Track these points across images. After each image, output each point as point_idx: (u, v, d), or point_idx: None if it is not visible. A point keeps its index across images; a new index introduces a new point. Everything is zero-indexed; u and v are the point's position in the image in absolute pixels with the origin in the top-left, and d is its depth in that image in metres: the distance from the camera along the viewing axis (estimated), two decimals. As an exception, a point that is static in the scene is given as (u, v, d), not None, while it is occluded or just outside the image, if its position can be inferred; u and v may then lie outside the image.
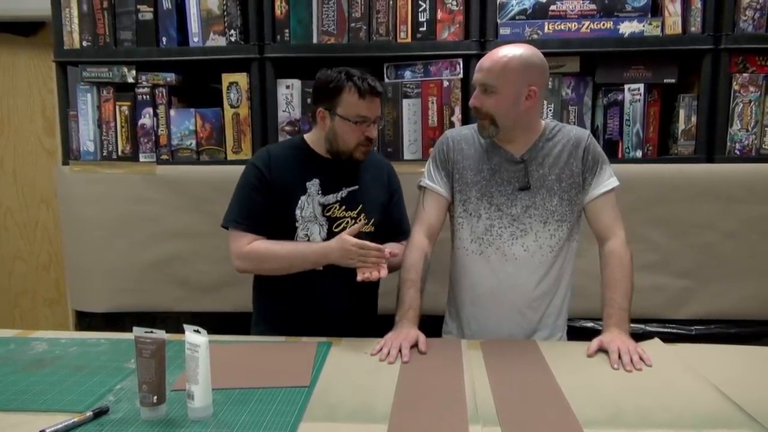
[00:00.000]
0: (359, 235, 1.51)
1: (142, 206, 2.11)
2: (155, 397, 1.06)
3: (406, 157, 2.10)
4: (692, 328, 2.05)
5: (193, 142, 2.14)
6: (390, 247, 1.51)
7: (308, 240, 1.57)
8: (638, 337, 1.60)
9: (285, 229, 1.58)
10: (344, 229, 1.56)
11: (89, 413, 1.07)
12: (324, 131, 1.59)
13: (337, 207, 1.60)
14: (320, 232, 1.58)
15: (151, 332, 1.07)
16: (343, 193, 1.61)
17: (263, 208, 1.58)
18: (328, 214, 1.59)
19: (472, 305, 1.60)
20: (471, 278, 1.59)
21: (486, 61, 1.48)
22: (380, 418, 1.06)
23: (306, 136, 1.66)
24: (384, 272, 1.46)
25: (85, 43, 2.13)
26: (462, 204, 1.57)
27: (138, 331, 1.07)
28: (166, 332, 1.09)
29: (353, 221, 1.60)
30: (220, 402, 1.13)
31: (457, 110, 2.05)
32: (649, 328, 2.03)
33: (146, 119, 2.13)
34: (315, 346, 1.42)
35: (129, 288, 2.15)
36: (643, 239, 2.02)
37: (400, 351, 1.36)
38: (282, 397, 1.16)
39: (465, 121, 2.05)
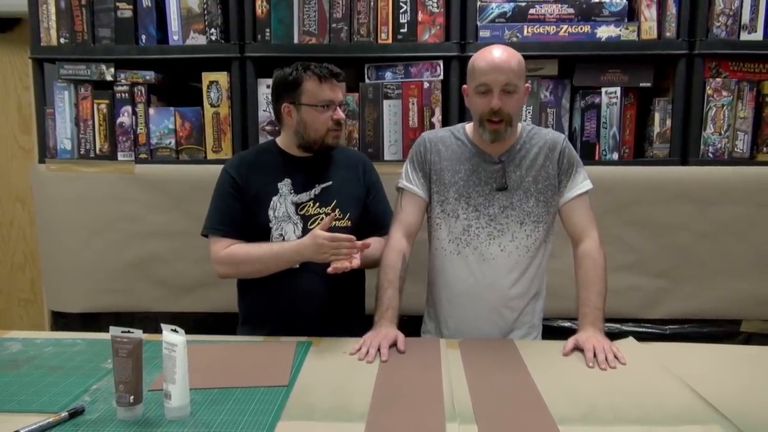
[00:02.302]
0: (333, 229, 1.52)
1: (120, 205, 2.09)
2: (132, 397, 1.06)
3: (386, 158, 2.11)
4: (666, 327, 2.09)
5: (173, 141, 2.12)
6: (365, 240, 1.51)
7: (283, 239, 1.58)
8: (614, 336, 1.62)
9: (260, 231, 1.59)
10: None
11: (64, 413, 1.06)
12: (292, 126, 1.61)
13: (311, 204, 1.61)
14: (295, 231, 1.59)
15: (128, 332, 1.06)
16: (317, 190, 1.62)
17: (239, 212, 1.59)
18: (302, 212, 1.60)
19: (450, 304, 1.62)
20: (449, 278, 1.60)
21: (497, 59, 1.44)
22: (358, 417, 1.07)
23: (277, 140, 1.68)
24: (356, 262, 1.46)
25: (62, 40, 2.10)
26: (440, 204, 1.59)
27: (114, 331, 1.07)
28: (144, 332, 1.08)
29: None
30: (198, 402, 1.12)
31: (438, 111, 2.07)
32: (624, 328, 2.07)
33: (125, 118, 2.11)
34: (294, 346, 1.43)
35: (106, 288, 2.13)
36: (619, 240, 2.05)
37: (378, 350, 1.37)
38: (260, 396, 1.16)
39: (445, 122, 2.07)
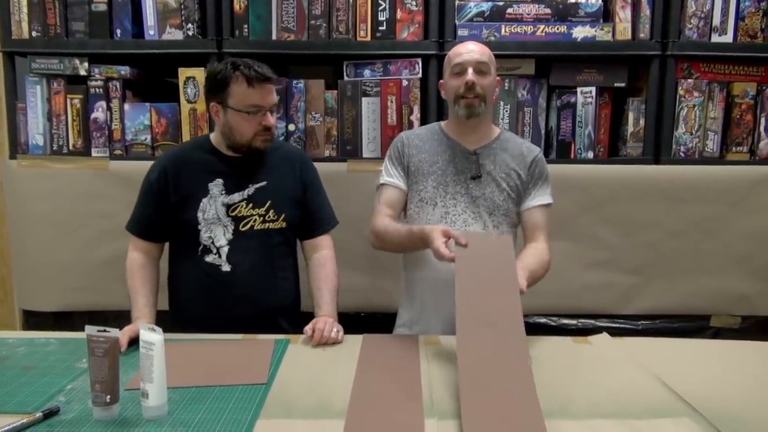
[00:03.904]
0: (267, 231, 1.56)
1: (94, 202, 2.06)
2: (108, 397, 1.04)
3: (365, 155, 2.11)
4: (639, 323, 2.14)
5: (148, 137, 2.09)
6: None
7: (212, 242, 1.55)
8: (588, 332, 1.66)
9: (189, 233, 1.56)
10: (252, 228, 1.56)
11: (39, 414, 1.04)
12: (220, 126, 1.56)
13: (244, 205, 1.57)
14: (224, 234, 1.56)
15: (104, 331, 1.05)
16: (250, 190, 1.58)
17: (154, 217, 1.58)
18: (233, 214, 1.56)
19: (425, 293, 1.63)
20: (425, 266, 1.62)
21: (470, 46, 1.57)
22: (337, 413, 1.07)
23: (211, 135, 1.63)
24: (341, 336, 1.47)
25: (34, 33, 2.06)
26: (418, 194, 1.62)
27: (90, 330, 1.05)
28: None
29: (261, 218, 1.58)
30: (176, 401, 1.12)
31: (416, 109, 2.08)
32: (599, 323, 2.11)
33: (99, 113, 2.08)
34: (272, 344, 1.42)
35: (80, 286, 2.10)
36: (594, 238, 2.09)
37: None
38: (239, 394, 1.15)
39: (423, 120, 2.08)
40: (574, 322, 2.14)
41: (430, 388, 1.18)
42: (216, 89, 1.52)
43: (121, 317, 2.10)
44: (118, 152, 2.09)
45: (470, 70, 1.54)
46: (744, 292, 2.11)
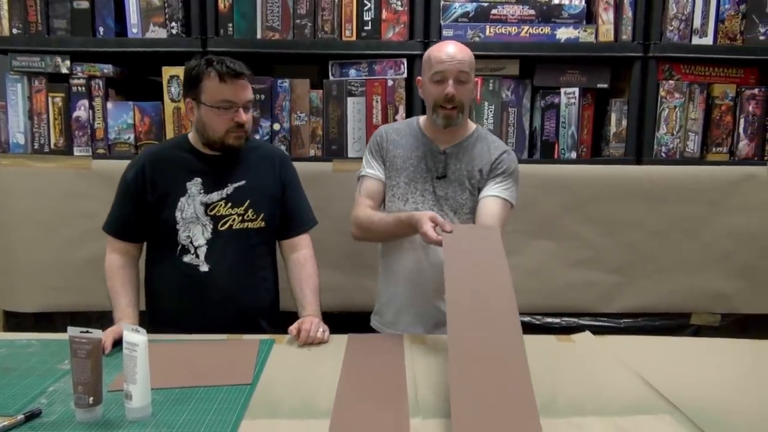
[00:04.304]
0: (246, 231, 1.56)
1: (77, 202, 2.04)
2: (91, 399, 1.04)
3: (350, 155, 2.11)
4: (621, 321, 2.16)
5: (132, 136, 2.08)
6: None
7: (190, 242, 1.55)
8: (571, 330, 1.67)
9: (167, 232, 1.55)
10: (230, 227, 1.56)
11: (20, 416, 1.03)
12: (194, 122, 1.56)
13: (222, 204, 1.56)
14: (203, 233, 1.55)
15: (87, 332, 1.04)
16: (229, 189, 1.57)
17: (132, 216, 1.57)
18: (212, 213, 1.56)
19: (399, 287, 1.66)
20: (399, 261, 1.64)
21: (451, 50, 1.54)
22: (322, 413, 1.07)
23: (189, 134, 1.62)
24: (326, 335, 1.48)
25: (15, 31, 2.03)
26: (392, 189, 1.66)
27: (73, 331, 1.04)
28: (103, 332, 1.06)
29: (240, 218, 1.58)
30: (160, 402, 1.11)
31: (401, 109, 2.08)
32: (581, 322, 2.13)
33: (81, 112, 2.06)
34: (257, 344, 1.42)
35: (62, 286, 2.07)
36: (576, 237, 2.11)
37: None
38: (224, 395, 1.15)
39: (408, 120, 2.08)
40: (557, 320, 2.15)
41: (415, 388, 1.19)
42: (190, 85, 1.52)
43: (104, 318, 2.08)
44: (100, 151, 2.08)
45: (451, 82, 1.53)
46: (723, 291, 2.15)
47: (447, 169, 1.62)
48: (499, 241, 1.38)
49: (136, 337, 1.04)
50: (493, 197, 1.59)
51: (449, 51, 1.55)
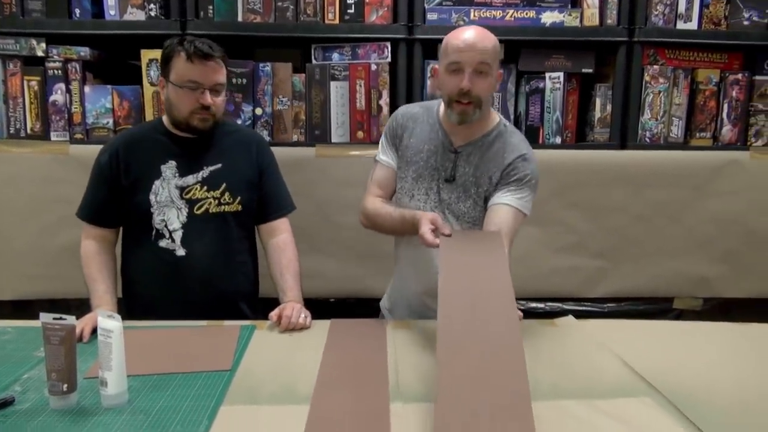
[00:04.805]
0: (222, 214, 1.52)
1: (54, 188, 2.00)
2: (65, 386, 1.02)
3: (333, 140, 2.09)
4: (605, 305, 2.17)
5: (110, 120, 2.04)
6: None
7: (165, 226, 1.52)
8: (555, 314, 1.67)
9: (141, 217, 1.52)
10: (206, 211, 1.53)
11: (-8, 404, 1.01)
12: (164, 102, 1.54)
13: (198, 188, 1.54)
14: (178, 216, 1.53)
15: (60, 318, 1.02)
16: (205, 172, 1.55)
17: (106, 201, 1.54)
18: (187, 196, 1.53)
19: (403, 281, 1.62)
20: (402, 257, 1.61)
21: (471, 38, 1.36)
22: (302, 399, 1.06)
23: (164, 117, 1.58)
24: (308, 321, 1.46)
25: (-13, 12, 1.98)
26: (400, 181, 1.56)
27: (45, 318, 1.02)
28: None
29: (216, 201, 1.55)
30: (137, 389, 1.09)
31: (385, 94, 2.06)
32: (565, 307, 2.14)
33: (58, 96, 2.01)
34: (238, 330, 1.40)
35: (40, 274, 2.04)
36: (561, 222, 2.11)
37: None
38: (202, 381, 1.13)
39: (392, 105, 2.06)
40: (541, 305, 2.16)
41: (397, 373, 1.18)
42: (163, 64, 1.50)
43: (84, 305, 2.03)
44: (78, 136, 2.03)
45: (467, 74, 1.35)
46: (706, 275, 2.16)
47: (456, 172, 1.47)
48: (501, 248, 1.27)
49: (110, 323, 1.02)
50: (504, 206, 1.42)
51: (467, 38, 1.36)
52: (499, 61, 1.43)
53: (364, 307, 2.13)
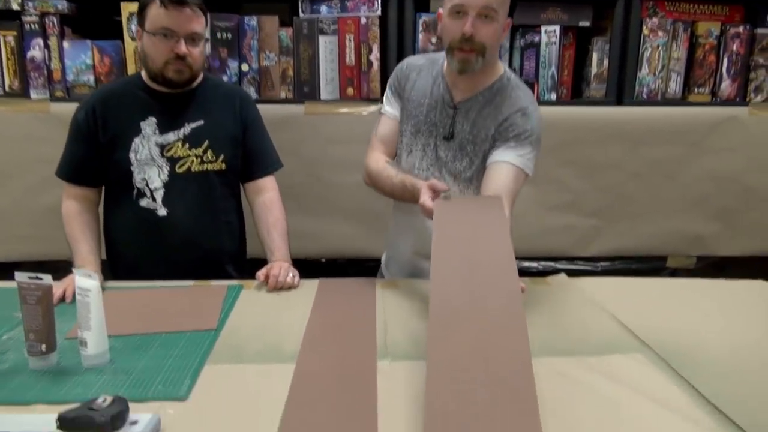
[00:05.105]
0: (205, 173, 1.48)
1: (36, 147, 1.95)
2: (43, 346, 0.99)
3: (323, 97, 2.03)
4: (598, 264, 2.16)
5: (91, 77, 1.97)
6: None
7: (146, 184, 1.48)
8: (548, 273, 1.65)
9: (121, 175, 1.48)
10: (189, 169, 1.48)
11: (-30, 365, 0.99)
12: (139, 53, 1.48)
13: (180, 145, 1.49)
14: (159, 175, 1.48)
15: (36, 278, 0.99)
16: (186, 129, 1.50)
17: (85, 158, 1.49)
18: (168, 154, 1.49)
19: (396, 245, 1.59)
20: (397, 221, 1.57)
21: None
22: (288, 357, 1.04)
23: (142, 72, 1.52)
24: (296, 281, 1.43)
25: (-42, -37, 1.89)
26: (400, 135, 1.49)
27: (20, 277, 0.99)
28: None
29: (198, 159, 1.51)
30: (119, 349, 1.07)
31: (375, 49, 1.99)
32: (558, 266, 2.12)
33: (36, 51, 1.94)
34: (225, 290, 1.38)
35: (24, 235, 2.01)
36: (556, 180, 2.07)
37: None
38: (186, 341, 1.11)
39: (383, 60, 2.00)
40: (534, 264, 2.15)
41: (385, 331, 1.16)
42: (139, 13, 1.44)
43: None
44: (59, 94, 1.97)
45: (470, 18, 1.25)
46: (700, 233, 2.14)
47: (454, 129, 1.39)
48: (501, 213, 1.18)
49: (88, 282, 0.99)
50: (504, 163, 1.32)
51: None
52: (507, 7, 1.32)
53: (357, 267, 2.12)
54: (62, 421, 0.78)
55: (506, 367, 0.84)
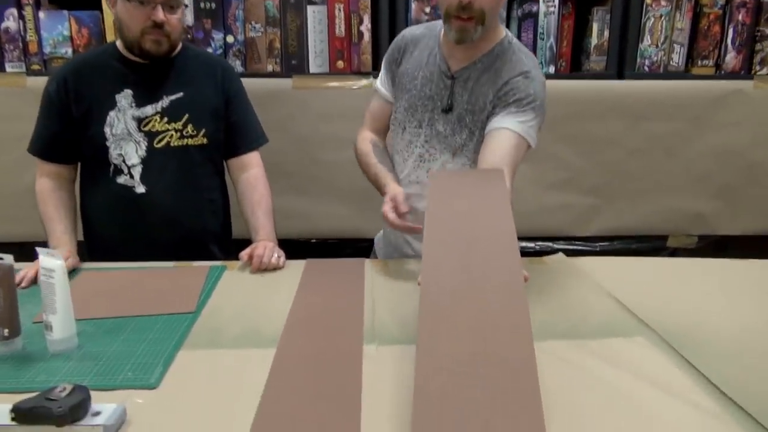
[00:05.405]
0: (185, 147, 1.41)
1: (12, 124, 1.87)
2: (6, 330, 0.93)
3: (311, 70, 1.94)
4: (597, 244, 2.10)
5: (69, 50, 1.88)
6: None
7: (123, 161, 1.40)
8: (545, 254, 1.59)
9: (96, 150, 1.40)
10: (168, 144, 1.41)
11: (-72, 351, 0.93)
12: (114, 22, 1.40)
13: (158, 119, 1.41)
14: (137, 150, 1.41)
15: (-3, 257, 0.92)
16: (164, 102, 1.42)
17: (58, 133, 1.42)
18: (146, 129, 1.41)
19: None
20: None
21: None
22: (269, 342, 0.98)
23: (117, 41, 1.44)
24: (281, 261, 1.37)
25: (-76, -72, 1.79)
26: (394, 111, 1.42)
27: (-20, 257, 0.92)
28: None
29: (178, 134, 1.43)
30: (90, 333, 1.01)
31: (366, 19, 1.90)
32: (556, 246, 2.06)
33: (10, 22, 1.85)
34: (206, 271, 1.31)
35: (3, 216, 1.94)
36: (553, 157, 2.00)
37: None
38: (162, 325, 1.05)
39: (374, 31, 1.92)
40: (531, 245, 2.08)
41: (373, 315, 1.10)
42: None
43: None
44: (35, 67, 1.89)
45: None
46: (702, 211, 2.08)
47: (453, 100, 1.30)
48: (502, 187, 1.08)
49: (52, 262, 0.92)
50: (504, 130, 1.22)
51: None
52: None
53: (349, 248, 2.05)
54: (17, 412, 0.72)
55: (505, 349, 0.76)
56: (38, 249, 0.95)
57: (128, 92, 1.39)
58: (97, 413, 0.74)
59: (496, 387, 0.70)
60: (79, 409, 0.72)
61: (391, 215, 1.21)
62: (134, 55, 1.40)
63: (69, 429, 0.72)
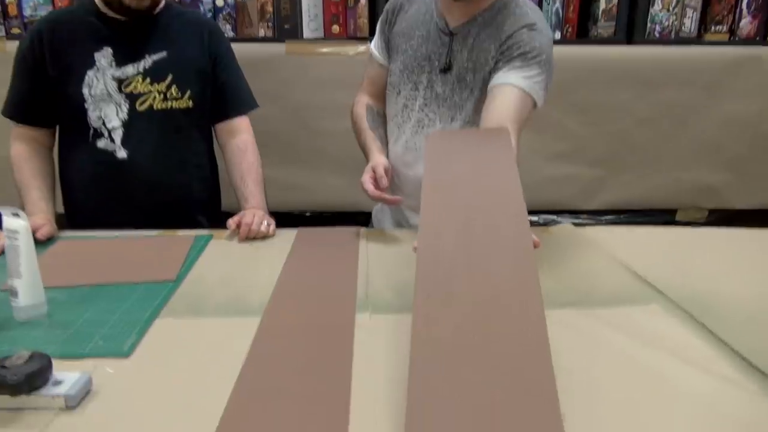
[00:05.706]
0: (171, 111, 1.34)
1: (-8, 90, 1.78)
2: (-32, 297, 0.86)
3: (305, 36, 1.86)
4: (603, 218, 2.02)
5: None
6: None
7: (103, 124, 1.32)
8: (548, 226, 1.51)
9: (73, 112, 1.32)
10: (151, 107, 1.33)
11: None
12: None
13: (140, 80, 1.32)
14: (118, 113, 1.32)
15: (-42, 220, 0.85)
16: (147, 62, 1.33)
17: (33, 94, 1.33)
18: (127, 90, 1.32)
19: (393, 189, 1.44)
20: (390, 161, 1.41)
21: None
22: (254, 310, 0.91)
23: None
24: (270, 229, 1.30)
25: None
26: (389, 74, 1.34)
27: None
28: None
29: (161, 96, 1.34)
30: (61, 301, 0.93)
31: (363, -20, 1.82)
32: (560, 219, 1.98)
33: (-12, -17, 1.77)
34: (192, 239, 1.24)
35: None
36: (557, 126, 1.92)
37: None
38: (140, 293, 0.97)
39: (371, -7, 1.83)
40: (535, 218, 2.01)
41: (367, 282, 1.02)
42: None
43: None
44: (15, 31, 1.81)
45: None
46: (713, 184, 2.00)
47: (452, 58, 1.22)
48: (508, 147, 1.00)
49: (16, 223, 0.85)
50: (508, 86, 1.14)
51: None
52: None
53: (346, 221, 1.97)
54: (-32, 381, 0.64)
55: (512, 318, 0.68)
56: (0, 208, 0.87)
57: (108, 50, 1.31)
58: (59, 382, 0.67)
59: (499, 364, 0.62)
60: (37, 377, 0.65)
61: (368, 185, 1.18)
62: (113, 11, 1.31)
63: (26, 399, 0.65)
